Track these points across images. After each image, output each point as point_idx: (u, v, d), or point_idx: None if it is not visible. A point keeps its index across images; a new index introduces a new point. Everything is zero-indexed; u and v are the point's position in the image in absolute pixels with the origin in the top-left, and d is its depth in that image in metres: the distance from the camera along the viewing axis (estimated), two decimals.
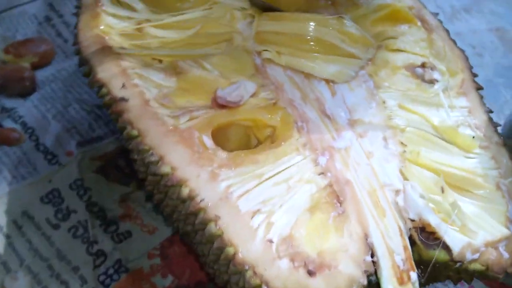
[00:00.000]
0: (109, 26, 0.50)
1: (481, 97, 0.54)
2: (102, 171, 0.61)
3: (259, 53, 0.50)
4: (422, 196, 0.38)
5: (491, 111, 0.53)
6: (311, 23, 0.48)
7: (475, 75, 0.57)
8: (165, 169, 0.37)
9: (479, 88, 0.55)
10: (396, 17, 0.59)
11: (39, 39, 0.77)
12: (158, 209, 0.53)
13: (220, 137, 0.42)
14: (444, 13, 0.97)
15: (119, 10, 0.52)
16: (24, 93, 0.69)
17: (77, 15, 0.51)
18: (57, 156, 0.62)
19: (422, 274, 0.38)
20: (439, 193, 0.41)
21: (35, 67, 0.74)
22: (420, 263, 0.38)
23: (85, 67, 0.44)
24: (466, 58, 0.58)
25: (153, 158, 0.37)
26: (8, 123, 0.65)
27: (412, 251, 0.38)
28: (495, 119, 0.74)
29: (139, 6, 0.52)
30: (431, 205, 0.39)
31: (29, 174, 0.60)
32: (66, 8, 0.80)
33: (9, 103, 0.69)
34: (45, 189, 0.59)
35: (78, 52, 0.47)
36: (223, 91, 0.42)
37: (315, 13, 0.53)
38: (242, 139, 0.43)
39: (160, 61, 0.44)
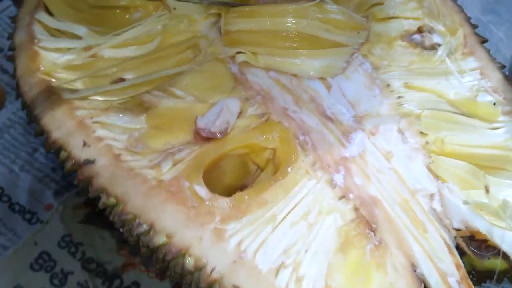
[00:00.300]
0: (52, 63, 0.42)
1: (488, 51, 0.48)
2: (88, 219, 0.55)
3: (232, 58, 0.43)
4: (465, 202, 0.33)
5: (503, 66, 0.47)
6: (288, 16, 0.40)
7: (475, 26, 0.51)
8: (159, 239, 0.30)
9: (483, 41, 0.49)
10: None
11: None
12: None
13: (213, 173, 0.36)
14: None
15: (59, 42, 0.44)
16: None
17: (12, 59, 0.43)
18: (36, 213, 0.56)
19: (474, 279, 0.33)
20: (478, 186, 0.35)
21: None
22: (472, 270, 0.33)
23: (36, 126, 0.37)
24: (461, 9, 0.52)
25: (142, 229, 0.31)
26: None
27: (463, 261, 0.33)
28: None
29: (82, 31, 0.44)
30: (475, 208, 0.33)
31: (10, 242, 0.54)
32: (5, 41, 0.71)
33: None
34: (33, 254, 0.53)
35: (23, 106, 0.39)
36: (203, 119, 0.36)
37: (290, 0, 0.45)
38: (239, 169, 0.37)
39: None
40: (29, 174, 0.59)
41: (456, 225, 0.34)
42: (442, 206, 0.34)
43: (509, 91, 0.44)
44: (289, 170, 0.34)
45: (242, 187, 0.37)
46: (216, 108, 0.37)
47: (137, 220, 0.31)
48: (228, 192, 0.38)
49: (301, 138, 0.38)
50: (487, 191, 0.34)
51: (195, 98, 0.38)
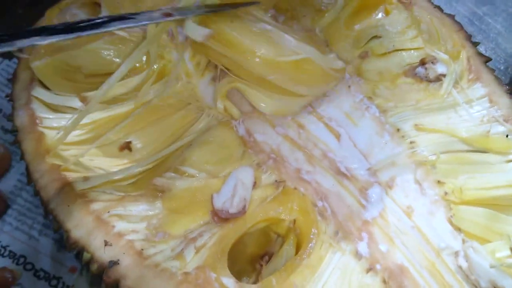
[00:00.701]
0: (57, 141, 0.42)
1: (493, 71, 0.47)
2: None
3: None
4: (492, 266, 0.33)
5: (510, 91, 0.46)
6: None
7: (476, 44, 0.50)
8: None
9: (487, 60, 0.48)
10: (368, 5, 0.51)
11: None
12: None
13: (236, 247, 0.36)
14: None
15: (61, 120, 0.44)
16: None
17: (17, 142, 0.43)
18: (61, 278, 0.57)
19: None
20: (500, 229, 0.35)
21: None
22: None
23: (52, 220, 0.37)
24: (460, 27, 0.51)
25: None
26: None
27: None
28: (493, 56, 0.67)
29: (78, 104, 0.44)
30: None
31: None
32: (2, 101, 0.71)
33: None
34: None
35: (36, 193, 0.40)
36: (219, 198, 0.36)
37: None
38: (261, 239, 0.37)
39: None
40: (48, 238, 0.59)
41: (484, 285, 0.34)
42: (467, 263, 0.34)
43: None
44: (312, 245, 0.34)
45: (265, 255, 0.38)
46: (230, 182, 0.37)
47: None
48: (251, 259, 0.38)
49: (320, 204, 0.37)
50: None
51: (207, 174, 0.38)
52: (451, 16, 0.53)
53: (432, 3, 0.54)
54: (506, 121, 0.42)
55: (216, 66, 0.46)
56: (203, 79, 0.46)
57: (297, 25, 0.50)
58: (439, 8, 0.53)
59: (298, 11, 0.51)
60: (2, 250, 0.59)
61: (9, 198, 0.63)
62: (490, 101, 0.44)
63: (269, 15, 0.51)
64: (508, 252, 0.34)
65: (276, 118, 0.44)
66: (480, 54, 0.49)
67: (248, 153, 0.40)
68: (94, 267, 0.34)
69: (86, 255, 0.35)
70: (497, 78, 0.47)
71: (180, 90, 0.45)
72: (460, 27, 0.51)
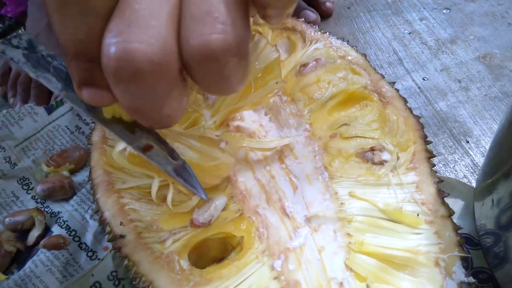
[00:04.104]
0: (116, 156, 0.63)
1: (433, 166, 0.61)
2: None
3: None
4: None
5: (440, 181, 0.59)
6: None
7: (428, 143, 0.64)
8: None
9: (431, 156, 0.62)
10: (352, 99, 0.68)
11: (73, 147, 0.93)
12: None
13: (202, 248, 0.54)
14: (430, 48, 1.03)
15: (122, 143, 0.65)
16: (67, 198, 0.86)
17: (89, 152, 0.66)
18: (96, 252, 0.77)
19: None
20: (385, 278, 0.48)
21: (72, 172, 0.91)
22: None
23: (95, 205, 0.58)
24: (421, 126, 0.65)
25: (145, 285, 0.49)
26: (56, 229, 0.80)
27: None
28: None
29: None
30: None
31: (76, 271, 0.75)
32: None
33: (55, 207, 0.85)
34: (89, 282, 0.73)
35: (91, 188, 0.61)
36: (198, 212, 0.54)
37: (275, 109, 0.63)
38: (221, 247, 0.54)
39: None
40: (95, 222, 0.80)
41: None
42: None
43: (437, 204, 0.56)
44: (245, 255, 0.51)
45: (222, 259, 0.55)
46: (209, 203, 0.55)
47: (143, 278, 0.49)
48: (214, 261, 0.55)
49: (261, 230, 0.54)
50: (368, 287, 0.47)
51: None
52: (417, 117, 0.67)
53: (405, 105, 0.69)
54: (423, 204, 0.55)
55: (227, 125, 0.66)
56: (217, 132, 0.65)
57: (293, 106, 0.68)
58: (409, 109, 0.68)
59: (296, 96, 0.69)
60: (62, 223, 0.79)
61: (77, 188, 0.85)
62: (417, 187, 0.57)
63: (278, 95, 0.70)
64: None
65: (258, 166, 0.62)
66: (427, 150, 0.62)
67: (228, 188, 0.58)
68: (110, 236, 0.54)
69: (108, 229, 0.54)
70: (431, 171, 0.60)
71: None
72: (421, 127, 0.65)
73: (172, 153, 0.41)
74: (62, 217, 0.82)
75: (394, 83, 0.72)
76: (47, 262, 0.75)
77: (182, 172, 0.41)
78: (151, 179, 0.56)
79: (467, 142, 0.84)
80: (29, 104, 0.93)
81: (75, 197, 0.81)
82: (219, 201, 0.55)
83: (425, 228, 0.53)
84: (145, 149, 0.39)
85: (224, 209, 0.55)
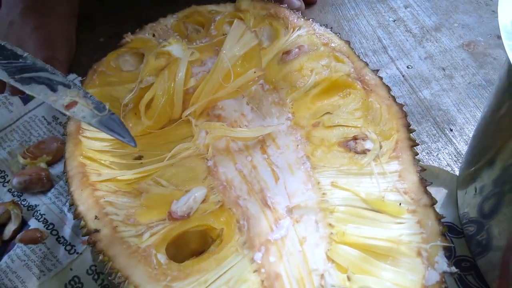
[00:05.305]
0: (90, 149, 0.61)
1: (416, 155, 0.60)
2: None
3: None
4: (332, 286, 0.46)
5: (423, 170, 0.58)
6: None
7: (411, 131, 0.63)
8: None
9: (414, 144, 0.61)
10: (335, 87, 0.66)
11: (50, 138, 0.90)
12: None
13: (181, 241, 0.52)
14: (414, 36, 1.02)
15: (98, 133, 0.63)
16: (44, 190, 0.83)
17: (64, 143, 0.63)
18: (75, 246, 0.75)
19: None
20: (368, 269, 0.48)
21: (50, 164, 0.88)
22: None
23: (70, 198, 0.56)
24: (405, 114, 0.64)
25: (121, 280, 0.48)
26: (33, 223, 0.78)
27: None
28: None
29: None
30: None
31: (54, 266, 0.72)
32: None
33: (33, 200, 0.83)
34: (68, 277, 0.71)
35: (66, 181, 0.59)
36: (176, 204, 0.52)
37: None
38: (200, 239, 0.53)
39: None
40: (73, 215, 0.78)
41: None
42: (323, 283, 0.47)
43: (419, 193, 0.55)
44: (225, 247, 0.50)
45: (202, 252, 0.53)
46: (188, 195, 0.53)
47: (119, 273, 0.48)
48: (193, 253, 0.54)
49: (242, 222, 0.53)
50: (348, 279, 0.47)
51: (175, 187, 0.55)
52: (400, 105, 0.66)
53: (389, 93, 0.68)
54: (405, 193, 0.55)
55: (208, 114, 0.64)
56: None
57: (275, 94, 0.67)
58: (393, 97, 0.67)
59: (279, 84, 0.68)
60: (39, 216, 0.76)
61: (55, 180, 0.83)
62: (399, 176, 0.56)
63: (260, 84, 0.68)
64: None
65: (240, 156, 0.60)
66: (410, 139, 0.62)
67: (208, 179, 0.57)
68: (84, 230, 0.52)
69: (82, 223, 0.53)
70: (414, 159, 0.59)
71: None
72: (404, 115, 0.64)
73: (99, 106, 0.45)
74: (39, 210, 0.79)
75: (377, 70, 0.71)
76: (23, 257, 0.73)
77: (108, 123, 0.45)
78: (128, 171, 0.54)
79: (451, 130, 0.84)
80: (3, 94, 0.90)
81: (52, 190, 0.79)
82: (199, 192, 0.53)
83: (408, 218, 0.53)
84: (69, 106, 0.43)
85: (204, 201, 0.53)
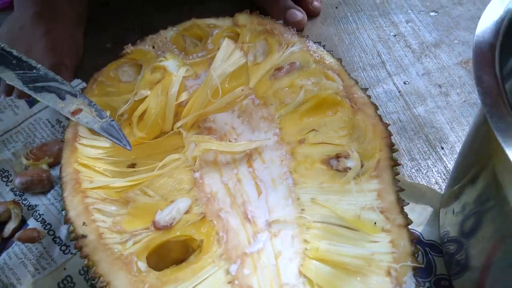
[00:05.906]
0: (85, 156, 0.64)
1: (396, 175, 0.62)
2: None
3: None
4: None
5: (401, 190, 0.60)
6: None
7: (394, 151, 0.64)
8: None
9: (395, 165, 0.62)
10: (324, 105, 0.68)
11: (52, 141, 0.94)
12: None
13: (163, 249, 0.55)
14: (413, 51, 1.03)
15: (94, 141, 0.66)
16: (44, 191, 0.87)
17: (61, 150, 0.66)
18: (69, 247, 0.78)
19: None
20: (338, 285, 0.49)
21: (51, 166, 0.91)
22: None
23: (62, 203, 0.59)
24: (389, 134, 0.65)
25: (102, 284, 0.50)
26: (32, 222, 0.81)
27: None
28: None
29: None
30: None
31: (49, 265, 0.76)
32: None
33: (33, 200, 0.86)
34: (61, 276, 0.74)
35: (61, 185, 0.62)
36: (160, 214, 0.55)
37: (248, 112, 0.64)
38: (182, 249, 0.55)
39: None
40: None
41: None
42: None
43: (395, 212, 0.57)
44: (202, 258, 0.52)
45: (183, 261, 0.56)
46: (172, 206, 0.56)
47: (101, 278, 0.50)
48: (175, 262, 0.56)
49: (221, 234, 0.55)
50: None
51: (160, 197, 0.58)
52: (386, 125, 0.68)
53: (376, 112, 0.69)
54: (381, 212, 0.56)
55: (199, 126, 0.67)
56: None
57: (265, 110, 0.69)
58: (379, 116, 0.69)
59: (269, 100, 0.70)
60: (38, 216, 0.79)
61: (55, 182, 0.86)
62: (378, 196, 0.58)
63: (251, 98, 0.70)
64: None
65: (226, 169, 0.62)
66: (391, 159, 0.63)
67: (193, 190, 0.59)
68: (72, 235, 0.55)
69: (71, 227, 0.56)
70: (394, 179, 0.61)
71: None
72: (388, 135, 0.66)
73: (101, 113, 0.53)
74: (39, 210, 0.83)
75: (367, 89, 0.72)
76: (20, 255, 0.76)
77: (108, 128, 0.53)
78: (120, 178, 0.57)
79: (442, 148, 0.85)
80: (10, 97, 0.94)
81: (52, 191, 0.83)
82: (182, 204, 0.56)
83: (381, 237, 0.54)
84: (75, 113, 0.51)
85: (187, 212, 0.56)
